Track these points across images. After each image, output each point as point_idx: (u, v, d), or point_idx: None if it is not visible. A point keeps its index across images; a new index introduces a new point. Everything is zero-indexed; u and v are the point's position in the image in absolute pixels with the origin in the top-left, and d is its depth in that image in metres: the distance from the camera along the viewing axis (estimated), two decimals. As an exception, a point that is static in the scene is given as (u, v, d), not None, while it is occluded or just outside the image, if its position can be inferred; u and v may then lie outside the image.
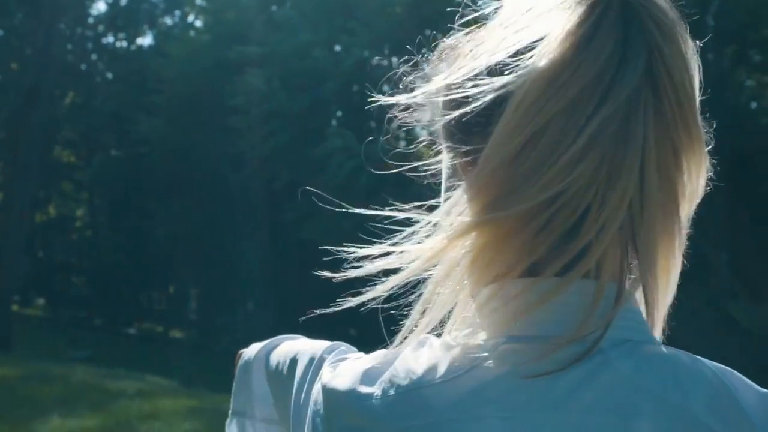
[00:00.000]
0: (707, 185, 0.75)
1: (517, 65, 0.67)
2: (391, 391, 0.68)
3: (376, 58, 17.50)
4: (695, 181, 0.72)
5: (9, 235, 16.17)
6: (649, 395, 0.63)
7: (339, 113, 19.73)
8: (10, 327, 15.26)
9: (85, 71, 26.33)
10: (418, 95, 0.78)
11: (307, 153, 16.46)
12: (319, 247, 0.88)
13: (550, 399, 0.64)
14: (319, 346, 0.95)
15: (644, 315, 0.71)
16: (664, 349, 0.68)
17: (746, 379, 0.66)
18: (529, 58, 0.67)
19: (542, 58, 0.67)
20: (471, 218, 0.68)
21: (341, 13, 18.15)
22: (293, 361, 0.99)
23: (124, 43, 27.86)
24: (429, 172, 0.80)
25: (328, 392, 0.73)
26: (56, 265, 27.95)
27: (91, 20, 26.49)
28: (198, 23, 26.44)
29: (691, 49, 0.72)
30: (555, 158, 0.65)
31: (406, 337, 0.76)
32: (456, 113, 0.71)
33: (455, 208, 0.76)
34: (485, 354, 0.67)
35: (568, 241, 0.66)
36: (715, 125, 0.77)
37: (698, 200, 0.74)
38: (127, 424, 7.05)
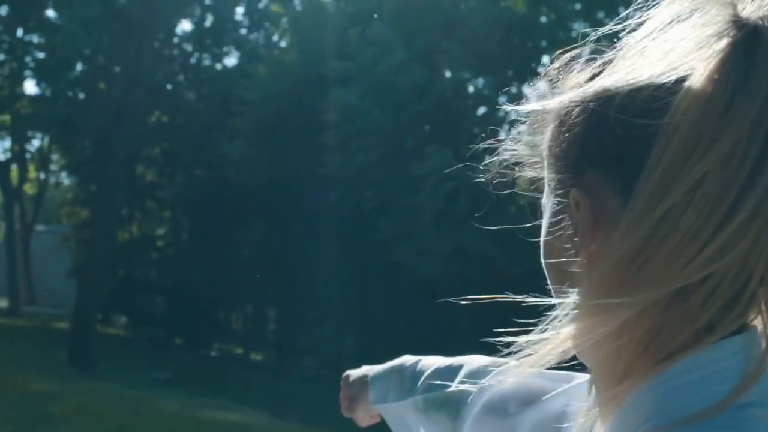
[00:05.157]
0: None
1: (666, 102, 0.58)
2: None
3: (470, 78, 16.98)
4: None
5: (96, 253, 16.13)
6: None
7: (431, 131, 19.22)
8: (93, 347, 15.09)
9: (171, 91, 26.44)
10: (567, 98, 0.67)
11: (398, 172, 15.92)
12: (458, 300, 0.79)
13: None
14: None
15: None
16: None
17: None
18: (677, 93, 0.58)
19: (692, 99, 0.57)
20: (618, 299, 0.59)
21: (437, 32, 17.64)
22: None
23: (209, 62, 27.95)
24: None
25: None
26: (137, 283, 28.05)
27: (176, 40, 26.62)
28: (283, 43, 26.35)
29: None
30: (709, 231, 0.56)
31: None
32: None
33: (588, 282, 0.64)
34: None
35: (733, 305, 0.60)
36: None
37: None
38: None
